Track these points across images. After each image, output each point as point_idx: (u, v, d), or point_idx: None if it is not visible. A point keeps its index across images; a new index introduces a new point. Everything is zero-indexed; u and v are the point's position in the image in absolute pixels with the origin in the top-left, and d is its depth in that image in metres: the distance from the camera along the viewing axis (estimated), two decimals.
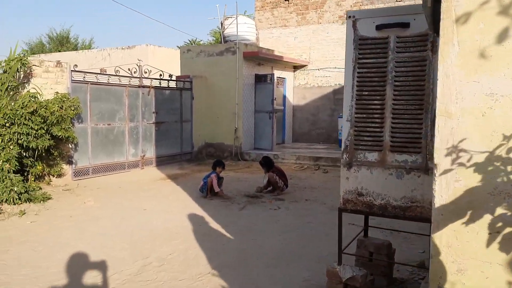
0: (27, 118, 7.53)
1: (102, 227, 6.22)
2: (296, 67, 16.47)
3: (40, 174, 8.42)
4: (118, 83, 10.69)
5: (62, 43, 30.90)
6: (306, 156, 12.47)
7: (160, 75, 11.99)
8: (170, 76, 12.41)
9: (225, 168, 8.49)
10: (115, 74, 10.56)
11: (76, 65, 9.60)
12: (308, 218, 6.75)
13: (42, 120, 7.66)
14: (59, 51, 26.91)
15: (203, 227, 6.33)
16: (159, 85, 12.01)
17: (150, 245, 5.49)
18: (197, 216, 6.88)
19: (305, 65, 16.26)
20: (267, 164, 8.51)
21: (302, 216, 6.89)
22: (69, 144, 9.17)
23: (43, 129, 7.69)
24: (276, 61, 14.78)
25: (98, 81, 10.13)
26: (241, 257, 5.08)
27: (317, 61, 16.14)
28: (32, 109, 7.58)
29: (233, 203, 7.76)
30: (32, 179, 8.22)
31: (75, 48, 30.18)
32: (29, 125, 7.53)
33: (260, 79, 13.98)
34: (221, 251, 5.27)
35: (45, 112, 7.62)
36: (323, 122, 16.08)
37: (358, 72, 3.53)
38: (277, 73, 14.89)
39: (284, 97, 16.00)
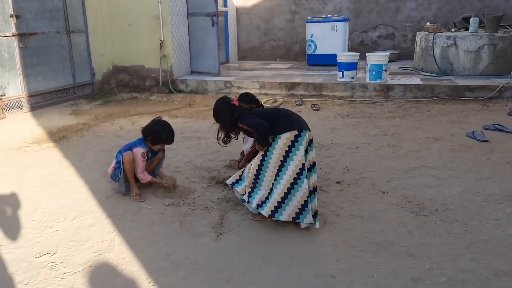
0: None
1: None
2: None
3: None
4: None
5: None
6: (275, 82, 8.15)
7: None
8: None
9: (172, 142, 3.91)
10: None
11: None
12: (393, 258, 2.70)
13: None
14: None
15: None
16: None
17: None
18: (115, 282, 2.52)
19: None
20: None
21: (370, 247, 2.83)
22: None
23: None
24: None
25: None
26: None
27: None
28: None
29: (193, 210, 3.43)
30: None
31: None
32: None
33: None
34: None
35: None
36: (279, 31, 11.60)
37: None
38: None
39: None
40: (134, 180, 3.68)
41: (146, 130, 3.73)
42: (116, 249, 2.89)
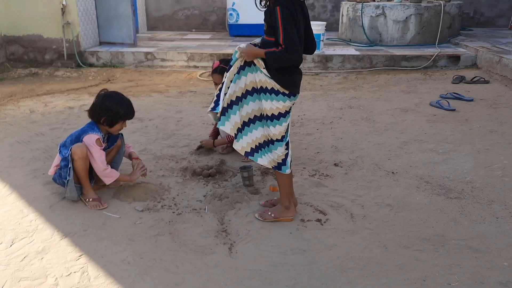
0: None
1: None
2: None
3: None
4: None
5: None
6: (205, 53, 7.28)
7: None
8: None
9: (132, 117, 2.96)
10: None
11: None
12: (460, 256, 2.24)
13: None
14: None
15: None
16: None
17: None
18: None
19: None
20: None
21: (425, 245, 2.34)
22: None
23: None
24: None
25: None
26: None
27: None
28: None
29: (179, 214, 2.60)
30: None
31: None
32: None
33: None
34: None
35: None
36: None
37: None
38: None
39: None
40: (89, 181, 2.71)
41: (94, 111, 2.77)
42: (95, 285, 1.99)
